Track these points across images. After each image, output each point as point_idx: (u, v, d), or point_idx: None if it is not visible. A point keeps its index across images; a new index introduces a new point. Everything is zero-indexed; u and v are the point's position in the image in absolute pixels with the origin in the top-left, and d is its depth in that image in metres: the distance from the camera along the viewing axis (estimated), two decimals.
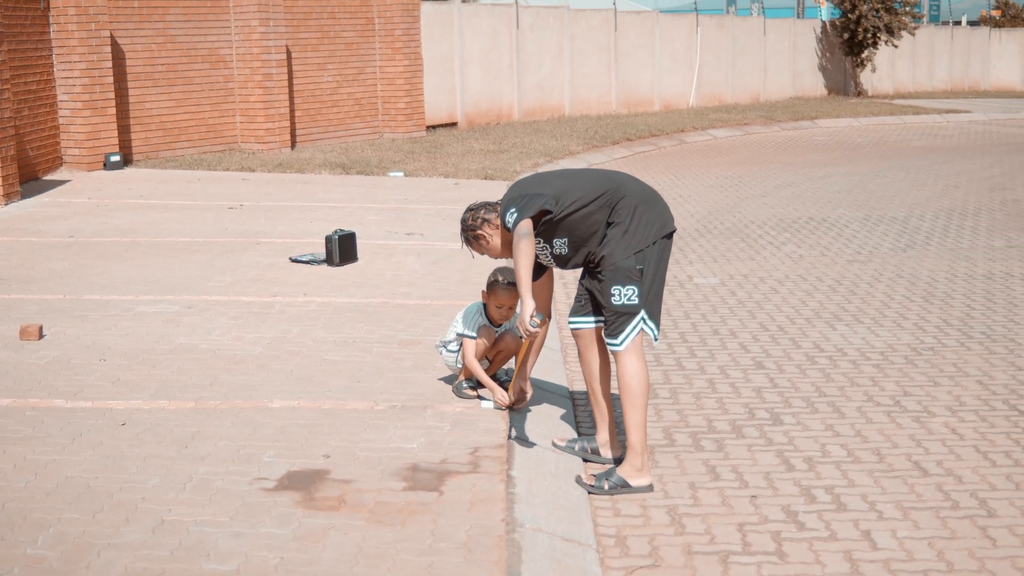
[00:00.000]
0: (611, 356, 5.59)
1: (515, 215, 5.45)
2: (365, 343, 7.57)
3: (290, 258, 10.23)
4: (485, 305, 6.43)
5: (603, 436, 5.85)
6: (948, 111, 30.04)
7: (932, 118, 28.73)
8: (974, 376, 7.26)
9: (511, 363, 6.72)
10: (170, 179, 15.70)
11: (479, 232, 5.76)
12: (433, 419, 6.10)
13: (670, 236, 5.56)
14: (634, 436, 5.47)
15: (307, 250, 10.58)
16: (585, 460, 5.89)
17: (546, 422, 6.30)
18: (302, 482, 5.22)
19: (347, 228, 11.02)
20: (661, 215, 5.52)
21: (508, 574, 4.35)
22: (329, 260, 9.99)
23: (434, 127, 22.96)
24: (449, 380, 6.73)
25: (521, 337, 6.01)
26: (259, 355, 7.25)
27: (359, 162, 17.47)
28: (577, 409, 6.77)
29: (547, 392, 6.82)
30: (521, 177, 5.43)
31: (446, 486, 5.21)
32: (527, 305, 5.46)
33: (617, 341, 5.47)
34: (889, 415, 6.55)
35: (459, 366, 6.50)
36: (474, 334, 6.34)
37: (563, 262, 5.64)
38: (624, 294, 5.41)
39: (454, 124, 23.71)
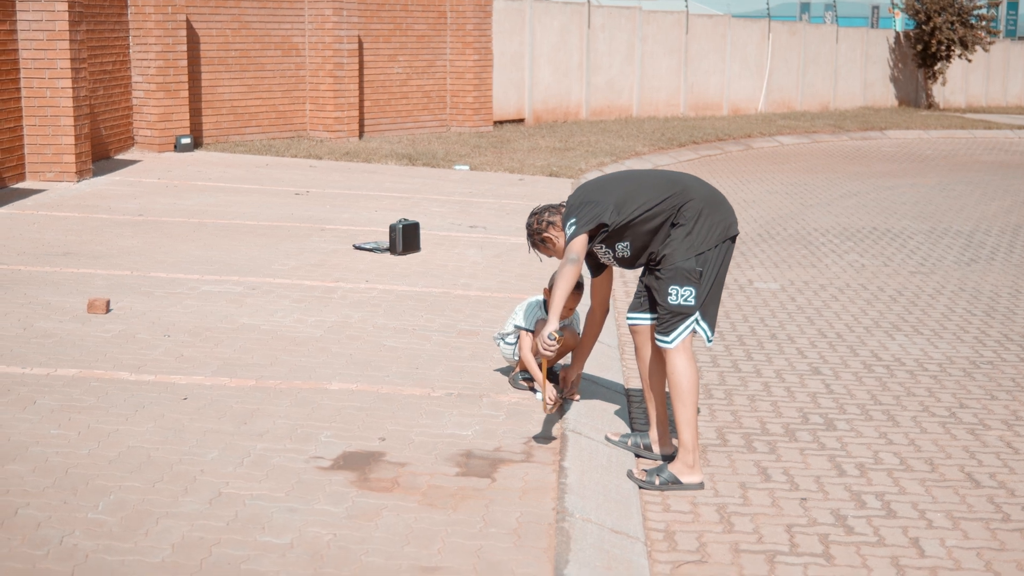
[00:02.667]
0: (662, 353, 5.61)
1: (573, 227, 5.50)
2: (424, 331, 7.66)
3: (354, 245, 10.35)
4: (546, 302, 6.48)
5: (655, 432, 5.89)
6: (1021, 127, 29.70)
7: (1004, 133, 28.42)
8: None
9: (567, 359, 6.77)
10: (239, 163, 15.89)
11: (545, 235, 5.85)
12: (488, 408, 6.17)
13: (733, 239, 5.57)
14: (685, 434, 5.49)
15: (371, 238, 10.69)
16: (637, 456, 5.94)
17: (600, 416, 6.34)
18: (357, 463, 5.30)
19: (411, 218, 11.12)
20: (725, 218, 5.53)
21: (556, 562, 4.41)
22: (392, 249, 10.09)
23: (501, 123, 23.04)
24: (506, 371, 6.80)
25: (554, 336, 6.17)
26: (320, 338, 7.35)
27: (425, 154, 17.59)
28: (631, 405, 6.82)
29: (602, 387, 6.87)
30: (586, 179, 5.39)
31: (499, 473, 5.27)
32: (550, 323, 5.40)
33: (668, 339, 5.49)
34: (944, 426, 6.54)
35: (516, 358, 6.56)
36: (532, 328, 6.40)
37: (626, 264, 5.67)
38: (681, 294, 5.43)
39: (521, 120, 23.79)
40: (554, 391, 6.33)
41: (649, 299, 5.69)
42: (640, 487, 5.52)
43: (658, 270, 5.52)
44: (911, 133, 27.42)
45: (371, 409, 6.05)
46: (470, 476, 5.23)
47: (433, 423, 5.89)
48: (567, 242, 5.49)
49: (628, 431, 6.25)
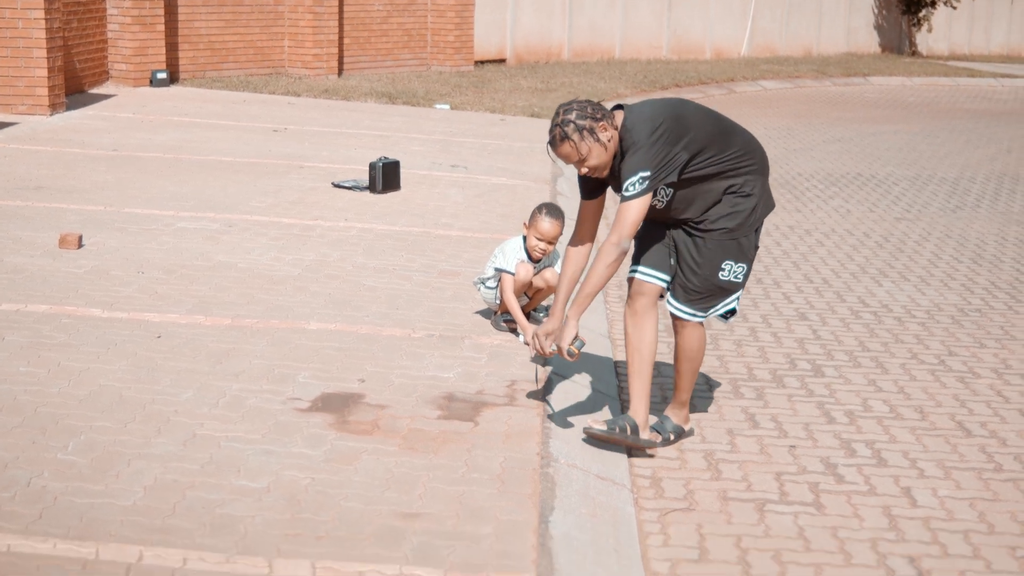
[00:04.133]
0: (676, 324, 5.08)
1: (643, 183, 4.64)
2: (405, 271, 7.49)
3: (333, 183, 10.15)
4: (525, 238, 6.32)
5: (642, 413, 5.09)
6: (1004, 75, 29.54)
7: (987, 81, 28.26)
8: (1021, 340, 7.12)
9: (550, 299, 6.63)
10: (215, 99, 15.61)
11: (598, 125, 4.70)
12: (470, 350, 6.03)
13: None
14: (686, 395, 5.24)
15: (350, 176, 10.50)
16: (630, 447, 5.13)
17: (583, 358, 6.20)
18: (336, 405, 5.16)
19: (391, 157, 10.92)
20: (768, 186, 5.06)
21: (540, 508, 4.28)
22: (372, 187, 9.90)
23: (482, 62, 22.76)
24: (487, 313, 6.65)
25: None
26: (297, 277, 7.18)
27: (405, 93, 17.34)
28: (615, 350, 6.67)
29: (584, 329, 6.72)
30: (655, 103, 4.80)
31: (481, 417, 5.13)
32: (570, 326, 4.82)
33: (703, 314, 5.01)
34: (933, 374, 6.43)
35: (498, 303, 6.41)
36: (512, 270, 6.24)
37: (657, 212, 4.91)
38: (734, 271, 4.95)
39: (503, 61, 23.51)
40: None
41: (670, 257, 5.05)
42: (646, 445, 5.07)
43: (707, 236, 4.91)
44: (894, 80, 27.24)
45: (350, 350, 5.90)
46: (452, 419, 5.09)
47: (414, 365, 5.74)
48: (628, 197, 4.65)
49: (605, 415, 5.49)
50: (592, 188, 4.99)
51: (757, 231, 5.00)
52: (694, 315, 5.01)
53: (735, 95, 22.61)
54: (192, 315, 6.28)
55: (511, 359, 5.93)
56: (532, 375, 5.65)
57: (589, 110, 4.69)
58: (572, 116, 4.68)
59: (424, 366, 5.73)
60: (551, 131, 4.73)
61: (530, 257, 6.28)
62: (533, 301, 6.48)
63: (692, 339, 5.07)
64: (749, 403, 5.89)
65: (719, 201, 4.87)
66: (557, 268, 6.36)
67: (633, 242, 4.96)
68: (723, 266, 4.93)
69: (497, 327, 6.42)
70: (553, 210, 6.20)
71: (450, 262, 7.82)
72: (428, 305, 6.78)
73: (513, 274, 6.23)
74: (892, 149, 15.87)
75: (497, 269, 6.30)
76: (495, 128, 14.72)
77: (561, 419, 5.20)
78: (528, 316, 6.44)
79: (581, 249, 5.07)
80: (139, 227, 8.17)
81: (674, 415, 5.27)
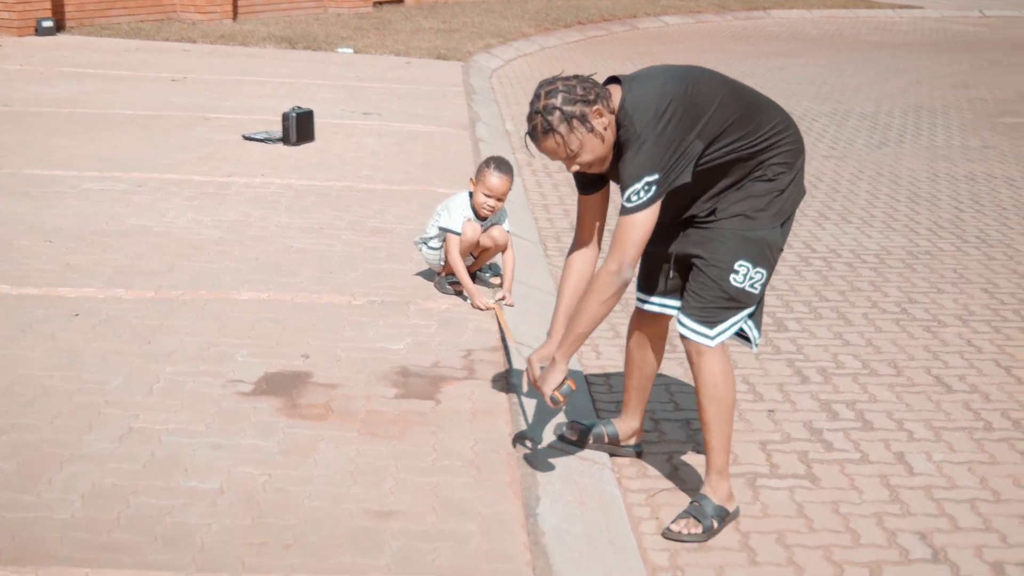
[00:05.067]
0: (690, 353, 3.92)
1: (650, 191, 3.59)
2: (333, 229, 7.03)
3: (243, 135, 9.59)
4: (471, 195, 5.90)
5: (631, 424, 4.45)
6: (901, 6, 29.56)
7: (885, 13, 28.23)
8: (977, 283, 6.88)
9: (497, 259, 6.23)
10: (106, 48, 14.84)
11: (591, 111, 3.64)
12: (417, 317, 5.61)
13: None
14: (722, 458, 3.98)
15: (260, 127, 9.94)
16: (613, 455, 4.49)
17: (541, 322, 5.81)
18: (282, 386, 4.71)
19: (300, 105, 10.38)
20: (803, 169, 3.97)
21: (525, 498, 3.91)
22: (285, 139, 9.37)
23: (380, 3, 22.10)
24: (428, 275, 6.23)
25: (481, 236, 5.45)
26: (219, 240, 6.68)
27: (305, 36, 16.69)
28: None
29: (535, 290, 6.33)
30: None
31: (442, 394, 4.73)
32: (557, 370, 3.83)
33: (711, 333, 3.84)
34: (898, 323, 6.16)
35: (442, 264, 5.99)
36: (458, 229, 5.82)
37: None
38: (750, 277, 3.81)
39: (401, 0, 22.86)
40: (485, 297, 5.81)
41: (682, 277, 4.01)
42: (688, 541, 3.93)
43: (717, 226, 3.84)
44: (794, 12, 27.08)
45: (288, 321, 5.44)
46: (411, 398, 4.68)
47: (359, 336, 5.31)
48: (630, 209, 3.61)
49: (575, 422, 4.57)
50: (590, 180, 3.95)
51: (784, 226, 3.89)
52: (699, 333, 3.84)
53: (638, 31, 22.25)
54: (111, 288, 5.76)
55: (463, 325, 5.53)
56: (496, 340, 5.26)
57: (579, 91, 3.62)
58: (557, 100, 3.60)
59: (371, 337, 5.30)
60: (530, 120, 3.67)
61: (477, 215, 5.86)
62: (479, 261, 6.07)
63: (711, 372, 3.86)
64: None
65: (736, 187, 3.83)
66: (506, 226, 5.96)
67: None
68: (737, 267, 3.79)
69: (442, 290, 6.00)
70: (502, 164, 5.78)
71: (379, 218, 7.36)
72: (364, 267, 6.33)
73: (459, 234, 5.81)
74: (803, 83, 15.64)
75: (442, 228, 5.87)
76: (402, 72, 14.20)
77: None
78: (474, 277, 6.04)
79: (583, 256, 4.03)
80: (41, 190, 7.58)
81: (713, 492, 3.99)
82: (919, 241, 7.79)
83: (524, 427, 4.45)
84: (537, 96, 3.67)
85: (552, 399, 3.82)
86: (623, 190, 3.63)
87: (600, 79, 3.86)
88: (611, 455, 4.48)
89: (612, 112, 3.66)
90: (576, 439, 4.46)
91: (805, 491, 4.31)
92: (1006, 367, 5.57)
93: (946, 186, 9.51)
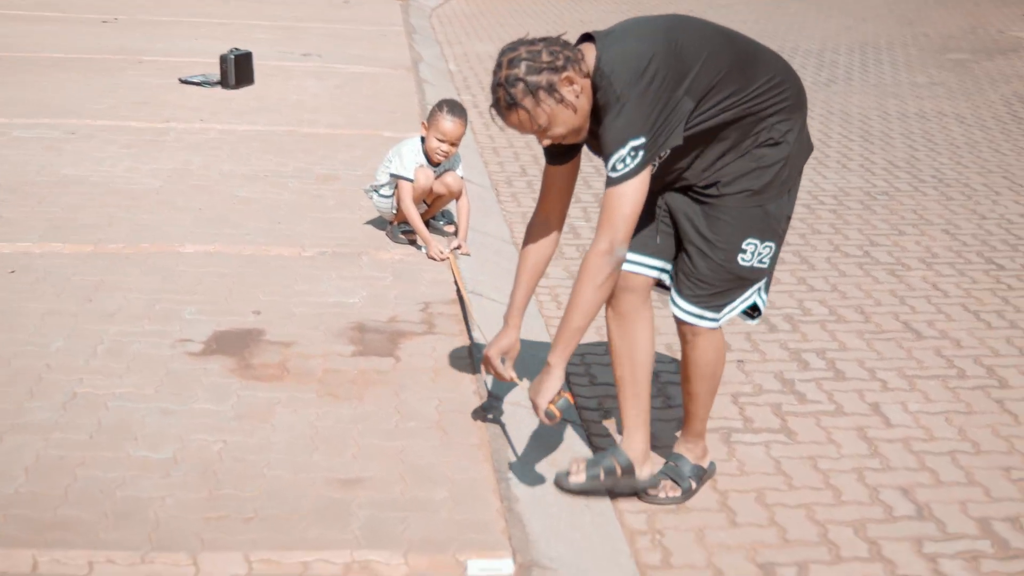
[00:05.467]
0: (684, 331, 3.58)
1: (636, 156, 3.18)
2: (278, 177, 6.78)
3: (180, 79, 9.27)
4: (423, 140, 5.67)
5: (638, 446, 3.71)
6: None
7: None
8: (938, 224, 6.76)
9: (451, 206, 6.01)
10: None
11: (560, 79, 3.21)
12: (371, 268, 5.39)
13: None
14: (702, 425, 3.78)
15: (196, 70, 9.61)
16: (614, 494, 3.76)
17: (497, 271, 5.62)
18: (234, 345, 4.49)
19: (237, 47, 10.04)
20: (806, 123, 3.57)
21: (494, 461, 3.73)
22: (224, 82, 9.06)
23: None
24: (380, 224, 6.00)
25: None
26: (160, 190, 6.41)
27: None
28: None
29: (489, 237, 6.13)
30: (637, 27, 3.34)
31: (401, 350, 4.53)
32: (553, 378, 3.32)
33: (717, 316, 3.52)
34: (862, 267, 6.03)
35: (394, 212, 5.77)
36: (411, 176, 5.59)
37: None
38: (759, 253, 3.47)
39: None
40: (439, 246, 5.60)
41: (670, 237, 3.58)
42: (667, 503, 3.73)
43: (721, 202, 3.44)
44: None
45: (236, 275, 5.21)
46: (369, 356, 4.47)
47: (312, 290, 5.09)
48: (616, 179, 3.20)
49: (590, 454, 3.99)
50: (562, 150, 3.52)
51: (791, 192, 3.52)
52: (703, 318, 3.51)
53: None
54: (47, 242, 5.49)
55: (418, 276, 5.32)
56: (453, 292, 5.06)
57: (544, 57, 3.20)
58: (520, 70, 3.20)
59: (324, 291, 5.08)
60: (493, 91, 3.27)
61: (430, 161, 5.64)
62: (432, 208, 5.86)
63: (705, 351, 3.58)
64: None
65: (738, 153, 3.41)
66: (459, 172, 5.75)
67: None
68: (745, 246, 3.44)
69: (394, 239, 5.78)
70: (455, 107, 5.55)
71: (325, 164, 7.11)
72: (312, 217, 6.09)
73: (412, 180, 5.58)
74: (748, 22, 15.45)
75: (393, 175, 5.64)
76: (340, 12, 13.86)
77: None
78: (427, 225, 5.82)
79: (543, 233, 3.63)
80: None
81: (689, 451, 3.79)
82: (876, 182, 7.66)
83: (488, 385, 4.26)
84: (499, 65, 3.24)
85: (547, 414, 3.27)
86: (606, 159, 3.22)
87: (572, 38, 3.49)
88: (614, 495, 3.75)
89: (586, 75, 3.25)
90: (586, 479, 3.65)
91: (782, 446, 4.16)
92: (974, 311, 5.45)
93: (898, 124, 9.39)
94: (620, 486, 3.68)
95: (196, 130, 7.74)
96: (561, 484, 3.59)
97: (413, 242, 5.74)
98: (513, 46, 3.25)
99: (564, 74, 3.20)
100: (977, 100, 10.38)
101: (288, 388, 4.15)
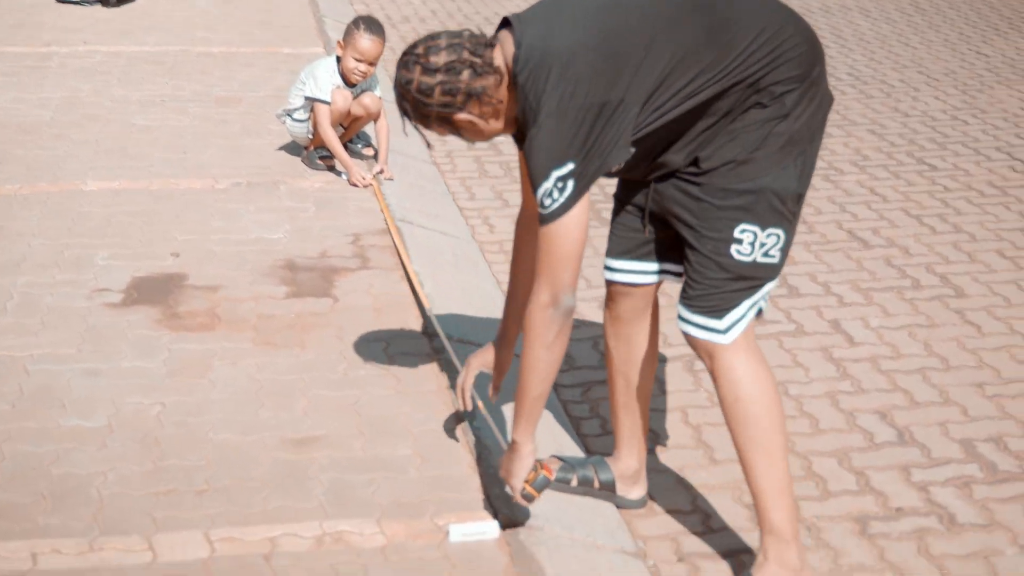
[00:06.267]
0: (700, 356, 2.83)
1: (565, 187, 2.56)
2: (176, 102, 6.38)
3: None
4: (339, 60, 5.32)
5: (629, 463, 3.20)
6: None
7: None
8: (863, 124, 6.61)
9: (369, 128, 5.68)
10: None
11: (457, 115, 2.65)
12: (291, 199, 5.08)
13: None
14: (776, 512, 2.78)
15: None
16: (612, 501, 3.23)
17: (426, 197, 5.33)
18: (156, 293, 4.16)
19: None
20: (825, 76, 2.78)
21: (456, 409, 3.48)
22: (104, 0, 8.53)
23: None
24: (294, 149, 5.66)
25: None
26: (51, 122, 5.98)
27: None
28: (445, 177, 5.81)
29: (414, 160, 5.83)
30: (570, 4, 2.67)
31: (337, 289, 4.25)
32: (523, 455, 2.79)
33: (721, 325, 2.74)
34: None
35: (309, 136, 5.44)
36: (328, 98, 5.26)
37: (622, 171, 2.79)
38: (761, 244, 2.70)
39: None
40: (361, 170, 5.30)
41: (659, 240, 2.91)
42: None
43: (706, 180, 2.71)
44: None
45: (147, 213, 4.86)
46: (304, 297, 4.18)
47: (231, 226, 4.77)
48: (546, 216, 2.59)
49: (575, 455, 3.39)
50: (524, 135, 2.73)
51: (800, 162, 2.71)
52: (708, 329, 2.75)
53: None
54: None
55: (343, 206, 5.02)
56: (382, 221, 4.78)
57: (440, 75, 2.61)
58: (415, 90, 2.62)
59: (244, 227, 4.76)
60: (398, 102, 2.71)
61: (346, 82, 5.30)
62: (349, 131, 5.53)
63: (725, 378, 2.77)
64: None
65: (738, 123, 2.68)
66: (377, 92, 5.42)
67: None
68: (739, 234, 2.69)
69: (312, 165, 5.46)
70: (373, 25, 5.21)
71: (224, 86, 6.72)
72: (219, 144, 5.73)
73: (329, 103, 5.25)
74: None
75: (308, 98, 5.30)
76: None
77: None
78: (346, 149, 5.49)
79: (533, 228, 2.88)
80: None
81: (762, 570, 2.80)
82: None
83: (436, 327, 3.99)
84: (398, 66, 2.68)
85: (525, 496, 2.79)
86: (533, 190, 2.62)
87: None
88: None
89: (500, 76, 2.63)
90: (556, 477, 3.11)
91: None
92: (916, 216, 5.32)
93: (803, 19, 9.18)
94: (596, 495, 3.19)
95: (81, 53, 7.27)
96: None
97: (332, 168, 5.42)
98: (414, 46, 2.65)
99: (458, 116, 2.64)
100: None
101: (221, 338, 3.85)
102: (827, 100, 2.76)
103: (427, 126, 2.70)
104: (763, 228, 2.68)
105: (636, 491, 3.20)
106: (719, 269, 2.70)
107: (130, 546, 2.81)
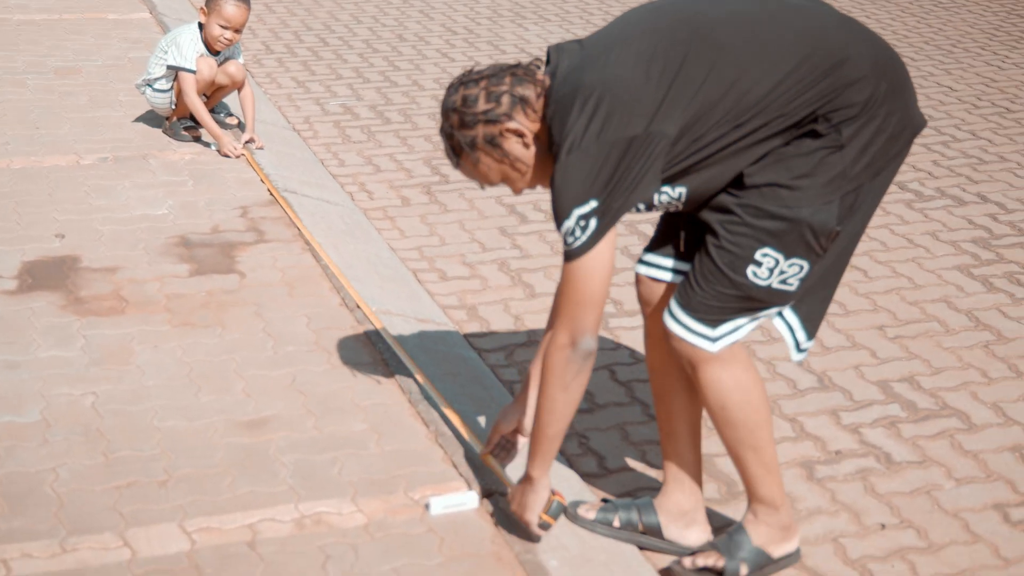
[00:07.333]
0: (681, 357, 2.68)
1: (589, 225, 2.48)
2: (10, 74, 6.10)
3: None
4: (201, 27, 5.17)
5: (680, 500, 2.94)
6: None
7: None
8: None
9: (232, 98, 5.55)
10: None
11: (504, 128, 2.56)
12: (164, 172, 4.93)
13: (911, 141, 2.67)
14: (764, 487, 2.78)
15: None
16: (642, 547, 2.96)
17: (300, 165, 5.24)
18: (51, 277, 4.00)
19: None
20: (908, 103, 2.62)
21: (399, 381, 3.45)
22: None
23: None
24: (153, 120, 5.49)
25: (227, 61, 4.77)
26: None
27: None
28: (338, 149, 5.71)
29: (281, 129, 5.70)
30: (617, 37, 2.53)
31: (241, 264, 4.15)
32: (539, 489, 2.73)
33: (713, 333, 2.62)
34: None
35: (172, 107, 5.28)
36: (193, 67, 5.11)
37: (668, 209, 2.67)
38: (781, 272, 2.57)
39: None
40: (231, 140, 5.18)
41: (684, 235, 2.76)
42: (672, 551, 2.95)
43: (740, 198, 2.54)
44: None
45: (18, 195, 4.65)
46: (209, 274, 4.08)
47: (111, 203, 4.60)
48: (569, 254, 2.52)
49: (598, 497, 3.17)
50: None
51: (859, 203, 2.58)
52: (691, 332, 2.63)
53: None
54: None
55: (221, 178, 4.89)
56: (265, 190, 4.68)
57: (482, 103, 2.56)
58: (454, 121, 2.58)
59: (125, 204, 4.60)
60: (444, 139, 2.65)
61: (210, 50, 5.16)
62: (212, 100, 5.39)
63: (711, 388, 2.67)
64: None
65: (790, 155, 2.53)
66: (241, 60, 5.29)
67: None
68: (759, 257, 2.55)
69: (176, 136, 5.30)
70: None
71: (58, 55, 6.45)
72: (71, 118, 5.51)
73: (194, 72, 5.10)
74: None
75: (171, 67, 5.13)
76: None
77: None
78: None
79: None
80: None
81: (751, 525, 2.82)
82: None
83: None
84: (443, 109, 2.62)
85: (543, 526, 2.74)
86: (556, 226, 2.54)
87: None
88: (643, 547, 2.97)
89: (541, 89, 2.57)
90: (595, 517, 2.95)
91: None
92: None
93: (873, 33, 9.33)
94: (645, 544, 2.95)
95: None
96: (569, 513, 2.93)
97: (198, 139, 5.28)
98: (455, 86, 2.60)
99: (505, 125, 2.55)
100: None
101: (136, 321, 3.73)
102: (905, 128, 2.59)
103: (473, 153, 2.57)
104: (787, 257, 2.54)
105: (692, 535, 2.93)
106: (730, 285, 2.57)
107: (104, 544, 2.71)
